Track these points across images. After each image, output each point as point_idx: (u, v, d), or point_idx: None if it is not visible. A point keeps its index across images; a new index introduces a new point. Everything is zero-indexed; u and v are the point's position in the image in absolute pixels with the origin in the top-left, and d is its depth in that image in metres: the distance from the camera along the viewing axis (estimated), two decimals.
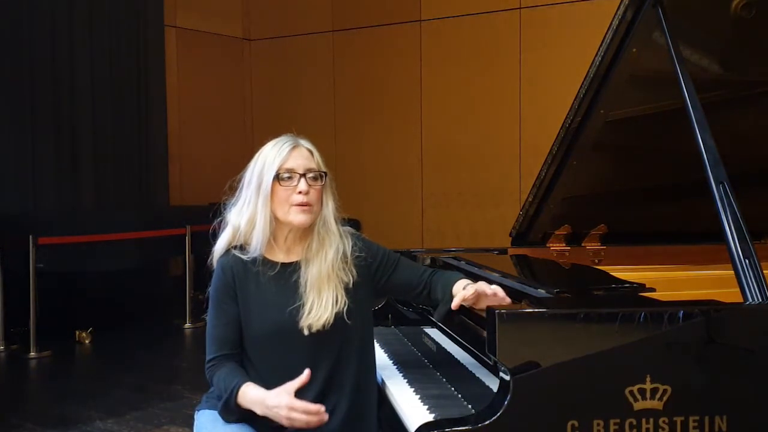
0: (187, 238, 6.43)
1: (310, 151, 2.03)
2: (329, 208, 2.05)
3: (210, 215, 2.11)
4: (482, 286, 1.90)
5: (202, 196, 7.71)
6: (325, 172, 2.03)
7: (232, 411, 1.92)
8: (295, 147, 2.01)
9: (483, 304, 1.84)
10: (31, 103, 6.63)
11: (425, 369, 2.31)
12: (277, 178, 1.97)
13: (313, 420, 1.83)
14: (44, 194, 6.75)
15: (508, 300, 1.87)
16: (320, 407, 1.84)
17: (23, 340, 5.60)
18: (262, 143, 2.08)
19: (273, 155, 1.99)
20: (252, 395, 1.89)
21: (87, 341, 5.90)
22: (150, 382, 4.76)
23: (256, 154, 2.04)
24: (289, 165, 1.98)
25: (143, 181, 7.64)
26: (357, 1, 8.16)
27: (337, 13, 8.27)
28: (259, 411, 1.88)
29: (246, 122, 8.79)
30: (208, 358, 2.00)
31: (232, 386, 1.90)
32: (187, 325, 6.35)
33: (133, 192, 7.54)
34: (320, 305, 1.96)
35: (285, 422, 1.85)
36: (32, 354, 5.45)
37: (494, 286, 1.89)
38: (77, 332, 5.91)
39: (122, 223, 6.28)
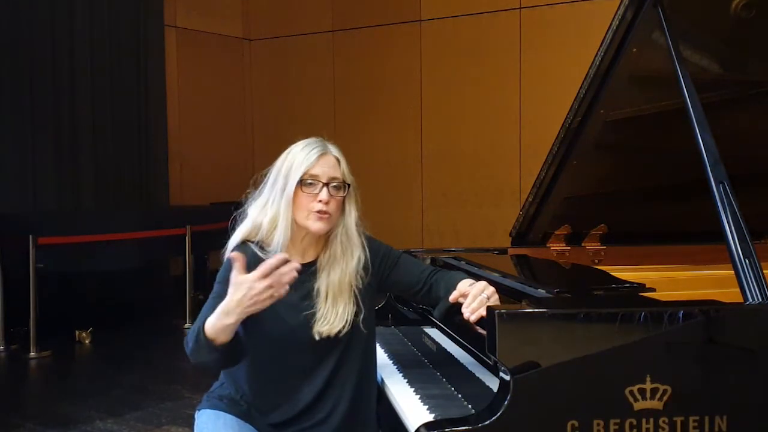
0: (187, 238, 6.43)
1: (338, 160, 2.01)
2: (352, 217, 2.04)
3: (232, 209, 2.09)
4: (479, 288, 1.89)
5: (202, 196, 7.73)
6: (348, 183, 2.01)
7: (204, 346, 1.79)
8: (323, 154, 1.99)
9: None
10: (31, 103, 6.63)
11: (425, 369, 2.31)
12: (301, 183, 1.96)
13: (288, 274, 1.73)
14: (44, 194, 6.75)
15: (483, 312, 1.78)
16: (283, 257, 1.74)
17: (23, 340, 5.59)
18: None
19: (300, 159, 1.97)
20: (216, 310, 1.77)
21: (87, 341, 5.90)
22: (150, 382, 4.76)
23: (285, 153, 2.02)
24: (314, 171, 1.96)
25: (143, 181, 7.64)
26: (357, 1, 8.16)
27: (337, 13, 8.28)
28: (234, 317, 1.75)
29: (246, 122, 8.79)
30: (196, 325, 1.89)
31: (199, 324, 1.81)
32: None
33: (133, 192, 7.54)
34: (335, 315, 1.97)
35: (268, 299, 1.73)
36: (32, 354, 5.45)
37: (484, 295, 1.85)
38: (77, 332, 5.91)
39: (122, 223, 6.28)
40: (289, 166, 1.98)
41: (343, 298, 1.99)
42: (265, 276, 1.72)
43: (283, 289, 1.75)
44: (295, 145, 2.03)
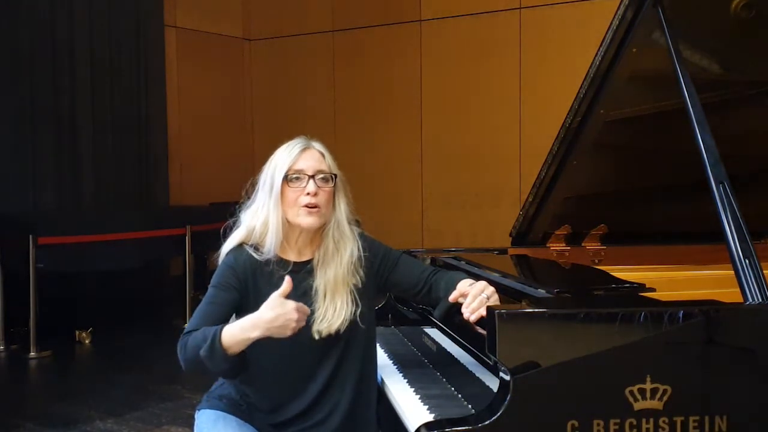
0: (187, 238, 6.43)
1: (322, 153, 2.03)
2: (342, 210, 2.05)
3: (227, 215, 2.11)
4: (479, 288, 1.88)
5: (202, 196, 7.72)
6: (335, 175, 2.03)
7: (219, 355, 1.79)
8: (305, 149, 2.01)
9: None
10: (31, 103, 6.63)
11: (425, 369, 2.31)
12: (286, 179, 1.97)
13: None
14: (44, 194, 6.74)
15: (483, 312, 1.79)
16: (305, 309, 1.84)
17: (23, 340, 5.59)
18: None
19: (284, 157, 2.00)
20: (240, 322, 1.80)
21: (87, 341, 5.90)
22: (150, 382, 4.75)
23: (270, 157, 2.04)
24: (298, 166, 1.98)
25: (143, 181, 7.63)
26: (357, 1, 8.16)
27: (337, 13, 8.27)
28: (258, 333, 1.78)
29: (246, 122, 8.79)
30: (187, 329, 1.92)
31: (214, 330, 1.81)
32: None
33: (133, 192, 7.53)
34: (333, 312, 1.97)
35: (291, 329, 1.79)
36: (32, 354, 5.45)
37: (484, 295, 1.85)
38: (77, 332, 5.91)
39: (122, 223, 6.28)
40: (274, 167, 2.00)
41: (340, 294, 1.99)
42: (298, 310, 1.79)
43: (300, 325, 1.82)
44: (279, 148, 2.05)
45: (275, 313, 1.77)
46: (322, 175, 2.00)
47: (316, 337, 1.96)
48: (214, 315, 1.94)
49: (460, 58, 7.56)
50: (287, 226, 2.01)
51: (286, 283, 1.81)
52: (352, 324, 2.00)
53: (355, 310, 2.00)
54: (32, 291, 5.42)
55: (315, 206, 1.97)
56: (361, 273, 2.05)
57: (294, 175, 1.98)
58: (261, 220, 2.00)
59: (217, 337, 1.79)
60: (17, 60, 6.53)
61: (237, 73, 8.76)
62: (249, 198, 2.07)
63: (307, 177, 1.98)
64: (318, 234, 2.04)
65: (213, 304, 1.96)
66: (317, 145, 2.05)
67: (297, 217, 1.98)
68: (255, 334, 1.79)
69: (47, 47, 6.73)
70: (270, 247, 1.99)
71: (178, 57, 8.12)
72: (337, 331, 1.97)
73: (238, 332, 1.79)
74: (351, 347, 2.02)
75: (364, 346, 2.06)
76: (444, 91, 7.68)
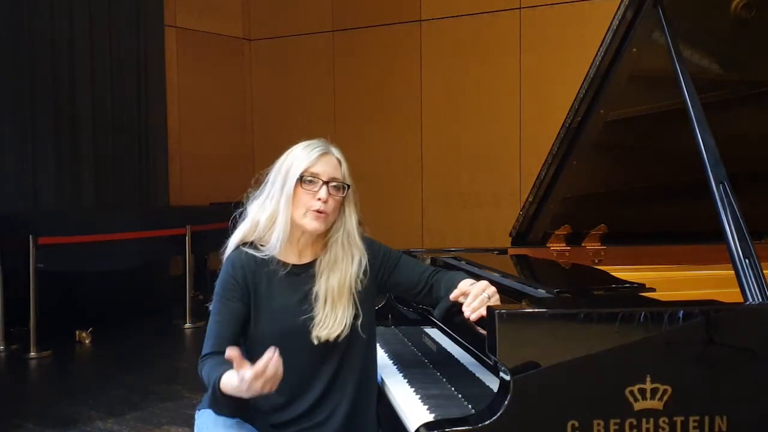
0: (187, 238, 6.43)
1: (339, 161, 2.02)
2: (352, 220, 2.05)
3: (231, 209, 2.10)
4: (480, 287, 1.89)
5: (202, 196, 7.73)
6: (348, 185, 2.02)
7: (221, 402, 1.82)
8: (324, 153, 2.00)
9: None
10: (31, 103, 6.63)
11: (425, 369, 2.31)
12: (301, 180, 1.97)
13: (272, 370, 1.69)
14: (44, 194, 6.75)
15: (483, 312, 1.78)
16: (270, 356, 1.68)
17: (23, 340, 5.59)
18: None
19: (302, 157, 1.98)
20: (231, 382, 1.76)
21: (87, 341, 5.89)
22: (150, 382, 4.75)
23: (286, 152, 2.03)
24: (314, 169, 1.97)
25: (143, 181, 7.64)
26: (357, 1, 8.16)
27: (337, 13, 8.28)
28: (247, 396, 1.76)
29: (246, 122, 8.79)
30: (203, 353, 1.95)
31: (214, 378, 1.82)
32: (187, 325, 6.35)
33: (133, 192, 7.54)
34: (334, 319, 1.97)
35: (268, 386, 1.71)
36: (32, 354, 5.44)
37: (485, 294, 1.85)
38: (77, 332, 5.90)
39: (122, 223, 6.28)
40: (289, 164, 1.99)
41: (342, 302, 1.99)
42: (259, 375, 1.68)
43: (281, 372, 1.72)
44: (297, 145, 2.04)
45: (244, 387, 1.71)
46: (335, 183, 1.99)
47: (315, 342, 1.96)
48: (225, 332, 1.94)
49: (460, 58, 7.57)
50: (292, 225, 2.01)
51: (234, 361, 1.70)
52: (353, 331, 2.00)
53: (357, 317, 2.00)
54: (32, 291, 5.42)
55: (323, 212, 1.97)
56: (363, 278, 2.05)
57: (309, 178, 1.97)
58: (267, 213, 2.00)
59: (217, 389, 1.80)
60: (17, 60, 6.53)
61: (237, 73, 8.76)
62: (258, 189, 2.05)
63: (321, 182, 1.97)
64: (320, 238, 2.04)
65: (221, 321, 1.96)
66: (336, 152, 2.04)
67: (303, 219, 1.98)
68: (246, 396, 1.76)
69: (47, 47, 6.73)
70: (275, 243, 1.98)
71: (178, 57, 8.13)
72: (337, 337, 1.97)
73: (231, 390, 1.78)
74: (352, 350, 2.02)
75: (365, 348, 2.06)
76: (444, 91, 7.68)
